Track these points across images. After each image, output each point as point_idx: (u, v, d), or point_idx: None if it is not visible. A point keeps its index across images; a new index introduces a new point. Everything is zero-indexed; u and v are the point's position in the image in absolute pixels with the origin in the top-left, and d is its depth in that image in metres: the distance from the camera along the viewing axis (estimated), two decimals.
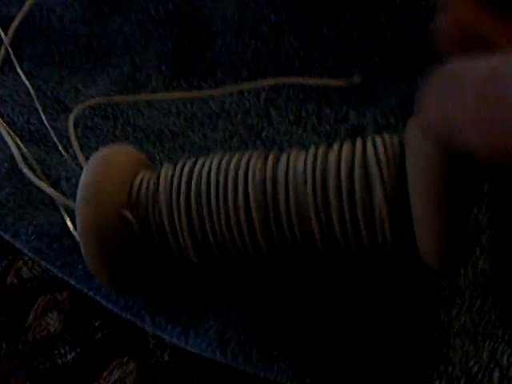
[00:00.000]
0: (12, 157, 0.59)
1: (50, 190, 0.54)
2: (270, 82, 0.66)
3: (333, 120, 0.63)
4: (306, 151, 0.48)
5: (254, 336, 0.47)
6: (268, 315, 0.49)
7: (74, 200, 0.47)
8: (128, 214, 0.47)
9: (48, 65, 0.77)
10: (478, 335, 0.47)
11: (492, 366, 0.46)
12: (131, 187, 0.49)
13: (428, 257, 0.44)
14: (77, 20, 0.78)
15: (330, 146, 0.47)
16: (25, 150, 0.60)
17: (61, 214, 0.57)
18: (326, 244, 0.46)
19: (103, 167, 0.48)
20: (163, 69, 0.72)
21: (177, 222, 0.47)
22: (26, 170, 0.55)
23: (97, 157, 0.49)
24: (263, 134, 0.63)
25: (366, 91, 0.65)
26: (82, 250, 0.47)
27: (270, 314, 0.49)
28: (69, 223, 0.55)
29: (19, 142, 0.60)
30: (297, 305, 0.49)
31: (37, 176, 0.55)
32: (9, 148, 0.59)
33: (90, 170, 0.48)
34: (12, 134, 0.60)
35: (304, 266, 0.51)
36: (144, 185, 0.49)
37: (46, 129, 0.67)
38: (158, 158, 0.63)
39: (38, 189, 0.59)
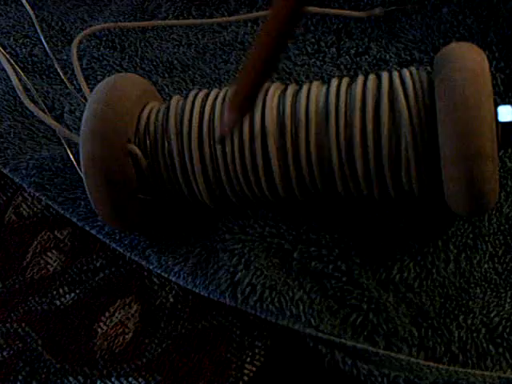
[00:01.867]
0: (13, 89, 0.56)
1: (52, 123, 0.51)
2: None
3: (353, 52, 0.61)
4: (328, 83, 0.45)
5: (266, 278, 0.45)
6: (281, 257, 0.46)
7: (78, 133, 0.45)
8: (135, 148, 0.45)
9: None
10: (499, 285, 0.45)
11: None
12: (139, 120, 0.47)
13: (455, 203, 0.42)
14: None
15: (354, 76, 0.45)
16: (27, 81, 0.58)
17: (63, 148, 0.54)
18: (346, 186, 0.44)
19: (109, 98, 0.45)
20: None
21: (188, 160, 0.45)
22: (27, 102, 0.52)
23: (102, 87, 0.46)
24: (279, 66, 0.60)
25: (389, 24, 0.62)
26: (86, 186, 0.44)
27: (284, 256, 0.46)
28: (72, 157, 0.52)
29: (22, 73, 0.57)
30: (312, 246, 0.46)
31: (39, 108, 0.52)
32: (11, 80, 0.56)
33: (95, 101, 0.45)
34: (15, 65, 0.57)
35: (321, 209, 0.48)
36: (152, 118, 0.47)
37: (50, 60, 0.64)
38: (166, 90, 0.60)
39: (40, 122, 0.57)
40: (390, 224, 0.47)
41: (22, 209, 0.55)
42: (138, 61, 0.64)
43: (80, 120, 0.45)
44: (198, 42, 0.65)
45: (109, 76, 0.48)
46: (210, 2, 0.68)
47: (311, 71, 0.60)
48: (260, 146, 0.44)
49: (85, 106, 0.46)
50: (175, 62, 0.63)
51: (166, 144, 0.45)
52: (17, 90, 0.53)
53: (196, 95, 0.47)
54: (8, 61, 0.58)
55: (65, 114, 0.60)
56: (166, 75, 0.62)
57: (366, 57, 0.60)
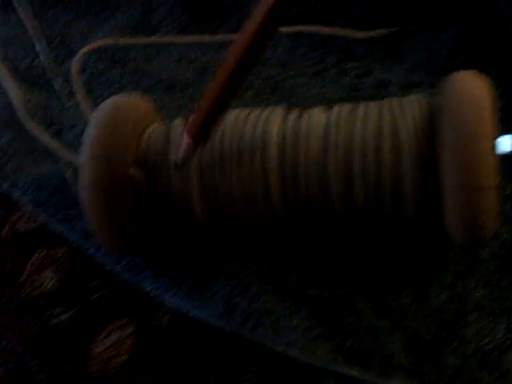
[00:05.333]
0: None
1: (49, 141, 0.51)
2: (290, 30, 0.62)
3: (355, 74, 0.60)
4: (330, 111, 0.45)
5: (263, 304, 0.45)
6: (278, 282, 0.46)
7: (78, 151, 0.45)
8: (136, 173, 0.45)
9: (54, 8, 0.74)
10: (494, 311, 0.45)
11: (508, 344, 0.43)
12: (140, 143, 0.47)
13: (455, 234, 0.42)
14: None
15: (355, 105, 0.45)
16: (27, 96, 0.57)
17: (62, 165, 0.54)
18: (344, 213, 0.44)
19: (110, 122, 0.45)
20: (176, 13, 0.69)
21: (187, 183, 0.45)
22: (25, 119, 0.52)
23: (104, 109, 0.46)
24: (281, 86, 0.61)
25: (391, 45, 0.62)
26: (85, 209, 0.44)
27: (281, 281, 0.46)
28: (70, 178, 0.52)
29: (20, 87, 0.57)
30: (309, 272, 0.47)
31: (38, 124, 0.52)
32: (10, 93, 0.56)
33: (97, 123, 0.45)
34: (13, 78, 0.57)
35: (319, 232, 0.48)
36: (153, 141, 0.47)
37: (50, 74, 0.63)
38: (167, 108, 0.60)
39: None
40: (387, 251, 0.47)
41: (18, 226, 0.55)
42: (138, 77, 0.64)
43: (80, 136, 0.45)
44: (199, 59, 0.65)
45: (109, 91, 0.48)
46: (212, 19, 0.68)
47: (312, 92, 0.59)
48: (260, 171, 0.44)
49: (84, 121, 0.45)
50: (176, 79, 0.63)
51: (166, 168, 0.45)
52: (15, 105, 0.53)
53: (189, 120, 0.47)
54: (7, 74, 0.58)
55: (64, 130, 0.59)
56: (167, 93, 0.62)
57: (368, 79, 0.59)
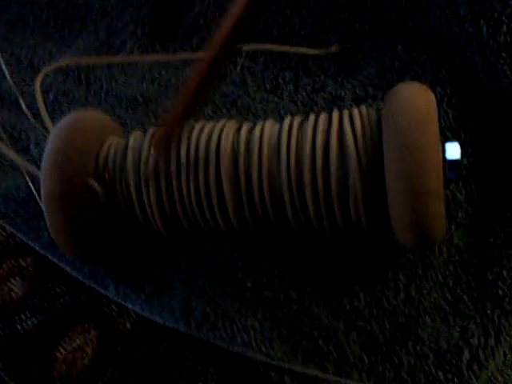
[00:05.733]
0: None
1: (14, 156, 0.52)
2: (247, 48, 0.64)
3: (310, 89, 0.62)
4: (282, 122, 0.47)
5: (219, 307, 0.46)
6: (234, 285, 0.48)
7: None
8: (94, 183, 0.46)
9: (22, 29, 0.76)
10: (449, 314, 0.47)
11: (461, 345, 0.45)
12: (98, 155, 0.48)
13: (402, 237, 0.43)
14: None
15: (306, 116, 0.46)
16: None
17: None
18: (298, 220, 0.46)
19: (68, 134, 0.46)
20: (139, 34, 0.71)
21: (145, 195, 0.46)
22: None
23: (62, 123, 0.48)
24: (239, 102, 0.62)
25: (345, 61, 0.64)
26: (46, 219, 0.46)
27: (237, 285, 0.48)
28: (34, 190, 0.54)
29: None
30: (264, 276, 0.48)
31: (7, 139, 0.54)
32: None
33: (56, 136, 0.46)
34: None
35: (274, 240, 0.50)
36: (111, 153, 0.48)
37: (16, 92, 0.65)
38: (129, 124, 0.61)
39: None
40: (341, 254, 0.49)
41: None
42: (102, 95, 0.65)
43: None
44: (161, 77, 0.67)
45: (74, 110, 0.50)
46: (174, 39, 0.70)
47: (269, 107, 0.61)
48: (214, 182, 0.45)
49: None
50: (139, 96, 0.65)
51: (124, 179, 0.47)
52: None
53: (154, 131, 0.48)
54: None
55: (30, 146, 0.61)
56: (130, 110, 0.63)
57: (322, 93, 0.61)
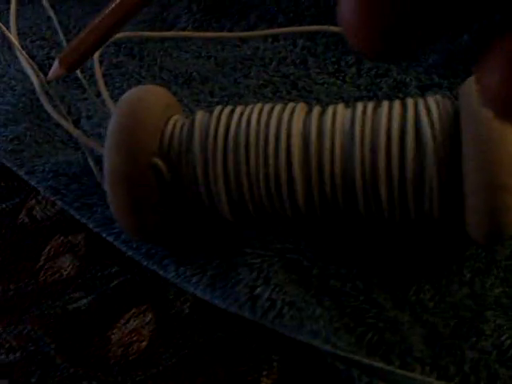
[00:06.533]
0: (31, 91, 0.56)
1: (72, 129, 0.51)
2: (308, 29, 0.63)
3: (373, 74, 0.61)
4: (354, 107, 0.45)
5: (286, 294, 0.45)
6: (300, 273, 0.46)
7: (97, 140, 0.45)
8: (159, 162, 0.45)
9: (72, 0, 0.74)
10: (510, 309, 0.45)
11: None
12: (163, 134, 0.47)
13: (475, 232, 0.43)
14: None
15: (379, 102, 0.45)
16: (47, 85, 0.57)
17: (80, 153, 0.54)
18: (368, 207, 0.44)
19: (134, 111, 0.45)
20: (194, 9, 0.70)
21: (211, 175, 0.45)
22: (49, 108, 0.51)
23: (126, 99, 0.46)
24: (299, 84, 0.61)
25: None
26: (109, 196, 0.45)
27: (303, 273, 0.46)
28: (92, 165, 0.52)
29: (42, 75, 0.57)
30: (331, 265, 0.47)
31: (60, 113, 0.52)
32: (28, 82, 0.56)
33: (120, 113, 0.45)
34: (35, 67, 0.57)
35: (341, 229, 0.49)
36: (177, 132, 0.47)
37: None
38: (185, 101, 0.60)
39: (57, 125, 0.57)
40: (409, 246, 0.48)
41: (35, 211, 0.55)
42: (156, 70, 0.64)
43: (97, 126, 0.45)
44: (218, 54, 0.65)
45: (127, 83, 0.48)
46: (230, 15, 0.68)
47: (331, 90, 0.60)
48: (284, 166, 0.44)
49: (102, 112, 0.45)
50: (194, 73, 0.63)
51: (190, 159, 0.45)
52: (38, 93, 0.53)
53: (221, 111, 0.47)
54: (28, 62, 0.58)
55: (82, 120, 0.59)
56: (185, 86, 0.62)
57: (386, 79, 0.60)
